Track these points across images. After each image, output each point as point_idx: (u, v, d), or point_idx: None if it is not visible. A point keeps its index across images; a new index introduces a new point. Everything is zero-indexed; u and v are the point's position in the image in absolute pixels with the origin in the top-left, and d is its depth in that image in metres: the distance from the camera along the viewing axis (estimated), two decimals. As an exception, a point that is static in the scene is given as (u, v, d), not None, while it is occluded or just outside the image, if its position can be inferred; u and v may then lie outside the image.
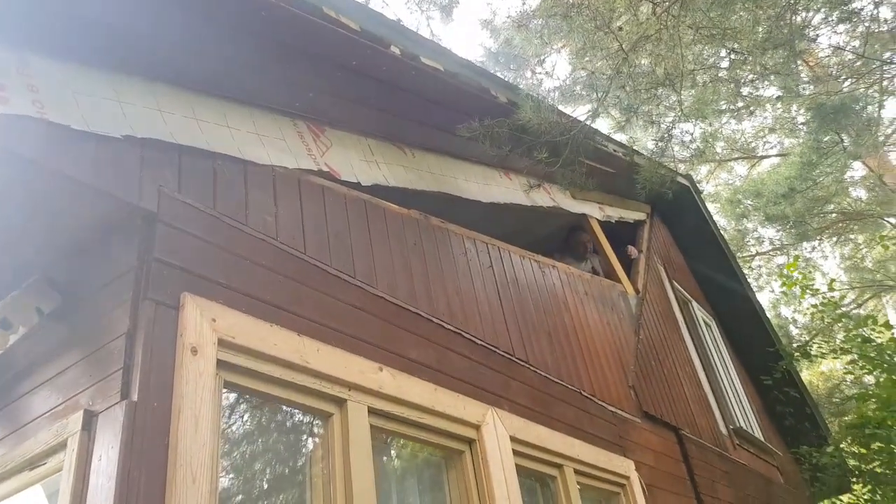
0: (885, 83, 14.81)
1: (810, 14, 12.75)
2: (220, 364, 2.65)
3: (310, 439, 3.24)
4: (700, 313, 10.53)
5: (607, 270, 7.94)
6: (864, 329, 10.91)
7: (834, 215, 19.54)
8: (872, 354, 10.36)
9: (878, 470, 10.95)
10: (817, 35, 13.94)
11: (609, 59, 7.30)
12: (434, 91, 4.88)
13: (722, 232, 11.97)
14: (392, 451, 3.83)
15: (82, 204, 2.77)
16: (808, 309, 13.42)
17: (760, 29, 8.22)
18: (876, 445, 10.69)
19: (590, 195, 7.86)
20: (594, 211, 8.02)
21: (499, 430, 4.19)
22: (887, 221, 19.03)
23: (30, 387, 2.93)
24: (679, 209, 10.32)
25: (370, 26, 4.01)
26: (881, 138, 16.71)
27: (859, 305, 21.85)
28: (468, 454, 3.99)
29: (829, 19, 13.21)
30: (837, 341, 12.49)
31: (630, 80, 6.75)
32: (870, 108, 13.70)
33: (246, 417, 3.00)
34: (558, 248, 8.02)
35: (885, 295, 23.13)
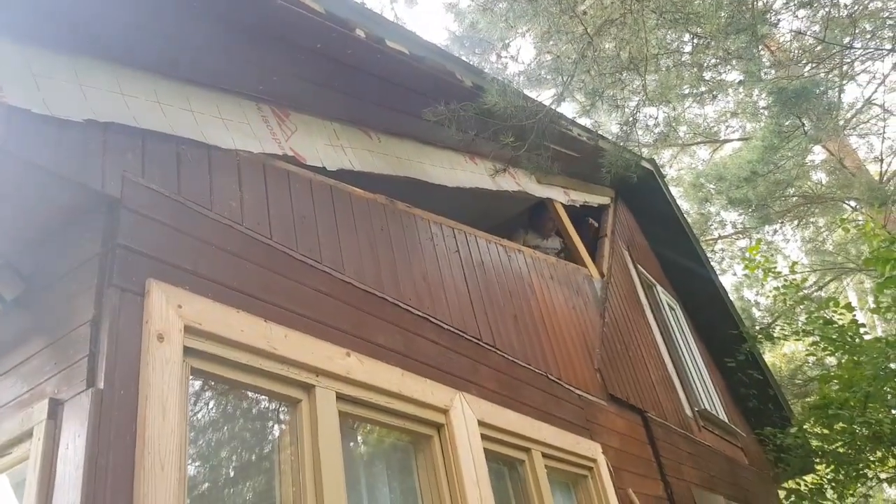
0: (844, 68, 14.99)
1: (771, -1, 12.86)
2: (187, 351, 2.63)
3: (277, 426, 3.23)
4: (664, 297, 10.61)
5: (572, 254, 7.98)
6: (826, 311, 11.03)
7: (795, 199, 19.75)
8: (834, 336, 10.46)
9: (841, 450, 11.09)
10: (778, 20, 14.10)
11: (574, 43, 7.32)
12: (399, 75, 4.86)
13: (685, 216, 12.03)
14: (360, 437, 3.83)
15: (45, 190, 2.72)
16: (770, 292, 13.55)
17: (723, 14, 8.26)
18: (839, 426, 10.81)
19: (555, 179, 7.87)
20: (559, 195, 8.04)
21: (467, 415, 4.20)
22: (847, 205, 19.25)
23: (-7, 375, 2.89)
24: (643, 193, 10.38)
25: (335, 9, 3.98)
26: (841, 122, 16.90)
27: (821, 288, 22.11)
28: (437, 439, 4.00)
29: (790, 4, 13.33)
30: (800, 323, 12.61)
31: (595, 64, 6.77)
32: (830, 92, 13.83)
33: (213, 405, 2.98)
34: (522, 226, 8.06)
35: (846, 277, 23.42)
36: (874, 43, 13.99)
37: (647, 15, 6.87)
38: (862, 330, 10.42)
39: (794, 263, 12.69)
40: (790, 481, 13.14)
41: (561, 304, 6.64)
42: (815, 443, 11.80)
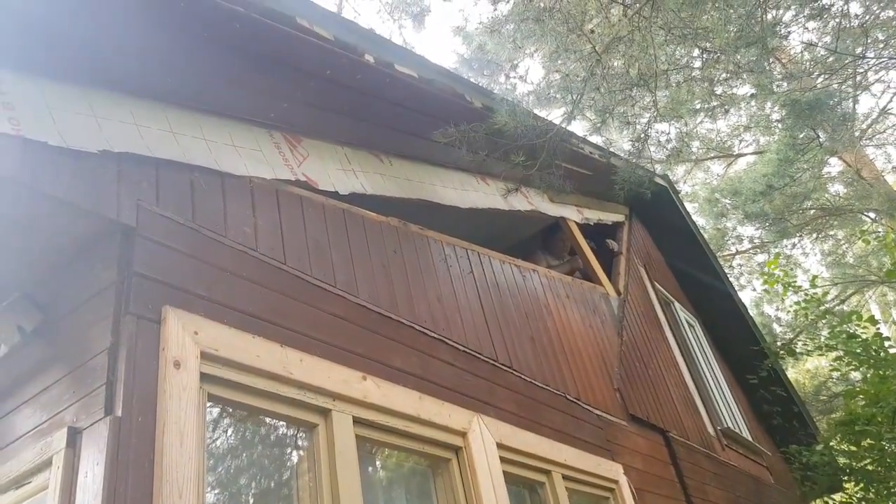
0: (858, 78, 14.91)
1: (780, 12, 12.83)
2: (204, 377, 2.64)
3: (295, 452, 3.23)
4: (682, 314, 10.56)
5: (588, 273, 7.96)
6: (849, 325, 10.89)
7: (813, 211, 19.61)
8: (858, 350, 10.33)
9: (870, 467, 10.81)
10: (789, 32, 14.05)
11: (582, 61, 7.33)
12: (409, 98, 4.88)
13: (701, 231, 11.99)
14: (378, 461, 3.82)
15: (60, 220, 2.75)
16: (791, 306, 13.43)
17: (732, 28, 8.28)
18: (866, 443, 10.60)
19: (568, 198, 7.87)
20: (572, 214, 8.04)
21: (485, 437, 4.19)
22: (866, 216, 19.09)
23: (13, 405, 2.90)
24: (657, 210, 10.35)
25: (343, 35, 4.02)
26: (857, 133, 16.83)
27: (842, 301, 21.92)
28: (455, 462, 3.98)
29: (800, 16, 13.31)
30: (822, 338, 12.47)
31: (604, 81, 6.79)
32: (844, 103, 13.78)
33: (230, 431, 2.98)
34: (539, 248, 8.06)
35: (867, 290, 23.19)
36: (888, 52, 13.92)
37: (655, 31, 6.89)
38: (886, 343, 10.28)
39: (815, 277, 12.58)
40: (818, 500, 12.95)
41: (578, 324, 6.62)
42: (842, 460, 11.60)
